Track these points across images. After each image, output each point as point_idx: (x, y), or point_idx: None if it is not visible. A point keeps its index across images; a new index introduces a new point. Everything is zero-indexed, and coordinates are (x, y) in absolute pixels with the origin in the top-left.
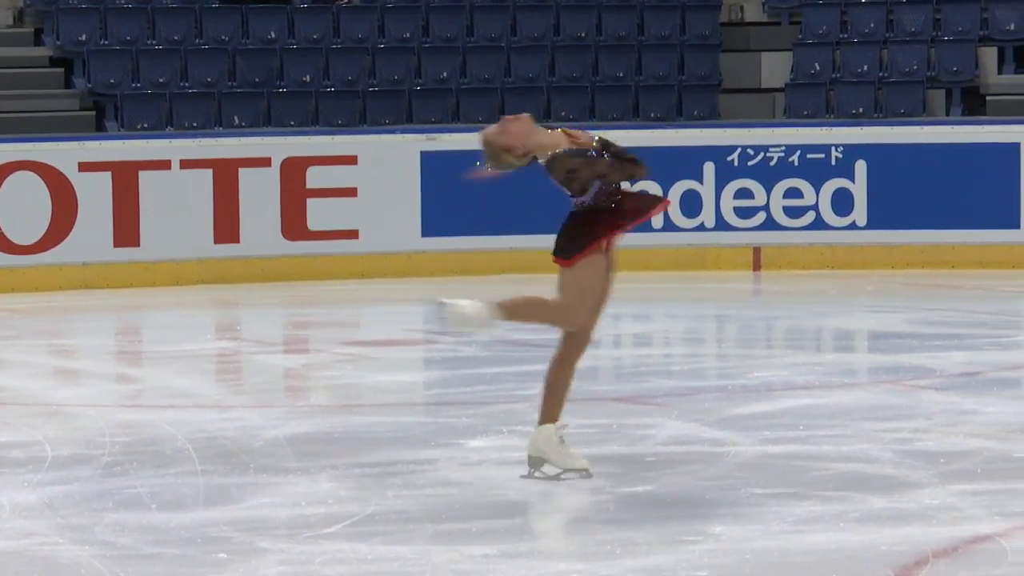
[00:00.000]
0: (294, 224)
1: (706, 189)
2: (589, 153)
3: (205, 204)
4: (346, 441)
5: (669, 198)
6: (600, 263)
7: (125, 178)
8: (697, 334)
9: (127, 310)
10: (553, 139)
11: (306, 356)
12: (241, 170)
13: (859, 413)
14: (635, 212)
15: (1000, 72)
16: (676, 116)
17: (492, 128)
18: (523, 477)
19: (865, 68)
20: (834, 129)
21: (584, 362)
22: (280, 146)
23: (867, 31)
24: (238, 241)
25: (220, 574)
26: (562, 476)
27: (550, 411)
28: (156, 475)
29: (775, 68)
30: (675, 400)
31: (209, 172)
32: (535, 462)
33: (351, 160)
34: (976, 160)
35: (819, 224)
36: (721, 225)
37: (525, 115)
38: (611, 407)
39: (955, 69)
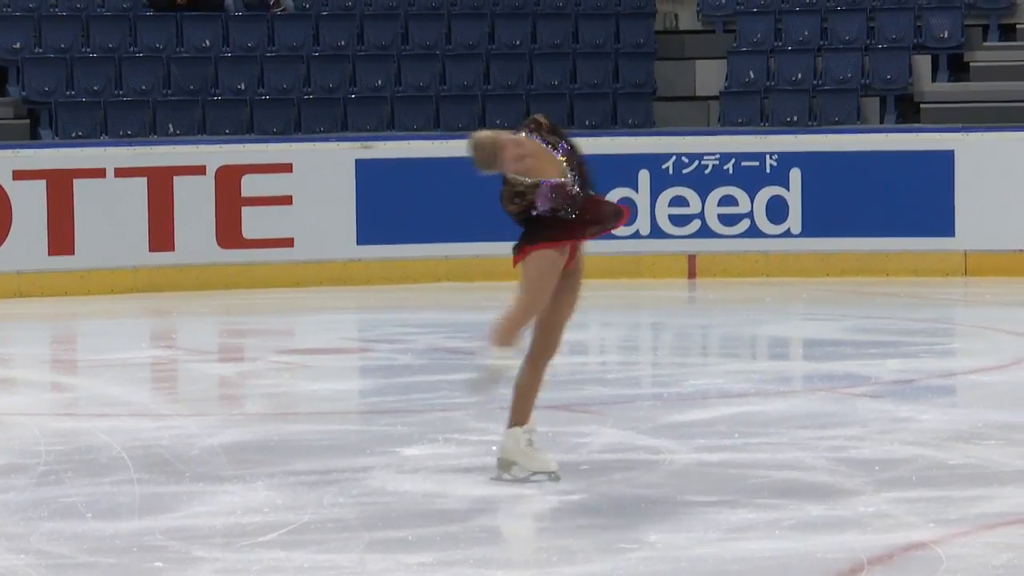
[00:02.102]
0: (229, 232)
1: (641, 197)
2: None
3: (140, 212)
4: (282, 449)
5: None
6: (554, 258)
7: (59, 186)
8: (632, 342)
9: (62, 318)
10: (541, 160)
11: (241, 364)
12: (176, 178)
13: (794, 421)
14: (595, 221)
15: (934, 80)
16: (611, 124)
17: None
18: (492, 480)
19: (799, 76)
20: (769, 137)
21: None
22: (215, 154)
23: (801, 39)
24: (173, 249)
25: None
26: (531, 478)
27: (518, 414)
28: (91, 484)
29: (710, 76)
30: (611, 408)
31: (144, 180)
32: (504, 464)
33: (286, 168)
34: (910, 168)
35: (754, 232)
36: (656, 233)
37: (521, 137)
38: (547, 415)
39: (889, 77)
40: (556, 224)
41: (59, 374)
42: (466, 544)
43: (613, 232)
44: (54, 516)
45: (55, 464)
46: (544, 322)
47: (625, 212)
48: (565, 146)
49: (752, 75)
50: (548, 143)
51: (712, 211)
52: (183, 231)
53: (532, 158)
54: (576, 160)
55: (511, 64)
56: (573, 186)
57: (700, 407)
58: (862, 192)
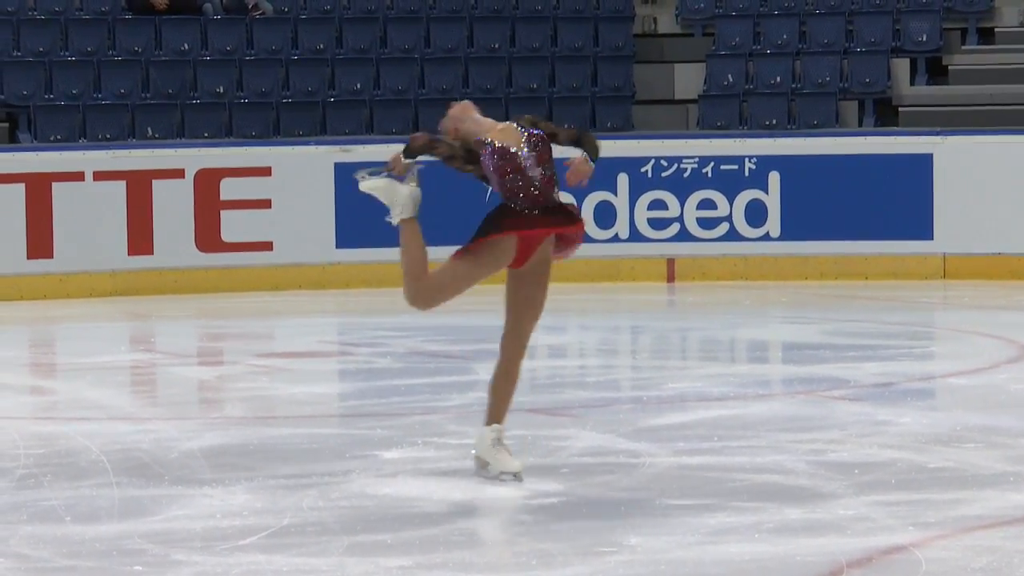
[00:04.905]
0: (208, 236)
1: (620, 200)
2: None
3: (119, 216)
4: (261, 453)
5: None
6: (483, 258)
7: (38, 190)
8: (611, 345)
9: (41, 322)
10: (483, 127)
11: (220, 368)
12: (155, 181)
13: (773, 424)
14: (545, 223)
15: (912, 83)
16: (590, 127)
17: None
18: (471, 483)
19: (778, 79)
20: (747, 140)
21: None
22: (193, 157)
23: (780, 42)
24: (152, 253)
25: None
26: (500, 478)
27: (490, 413)
28: (71, 487)
29: (688, 79)
30: (590, 411)
31: (122, 184)
32: (479, 462)
33: (265, 171)
34: (889, 171)
35: (733, 235)
36: (635, 236)
37: (467, 102)
38: (526, 418)
39: (867, 80)
40: (505, 217)
41: (38, 378)
42: (445, 547)
43: (591, 235)
44: (33, 520)
45: (34, 468)
46: (510, 324)
47: (580, 224)
48: (535, 132)
49: (731, 78)
50: (521, 127)
51: (691, 214)
52: (162, 235)
53: (472, 123)
54: (544, 150)
55: (490, 68)
56: (526, 164)
57: (679, 410)
58: (841, 195)
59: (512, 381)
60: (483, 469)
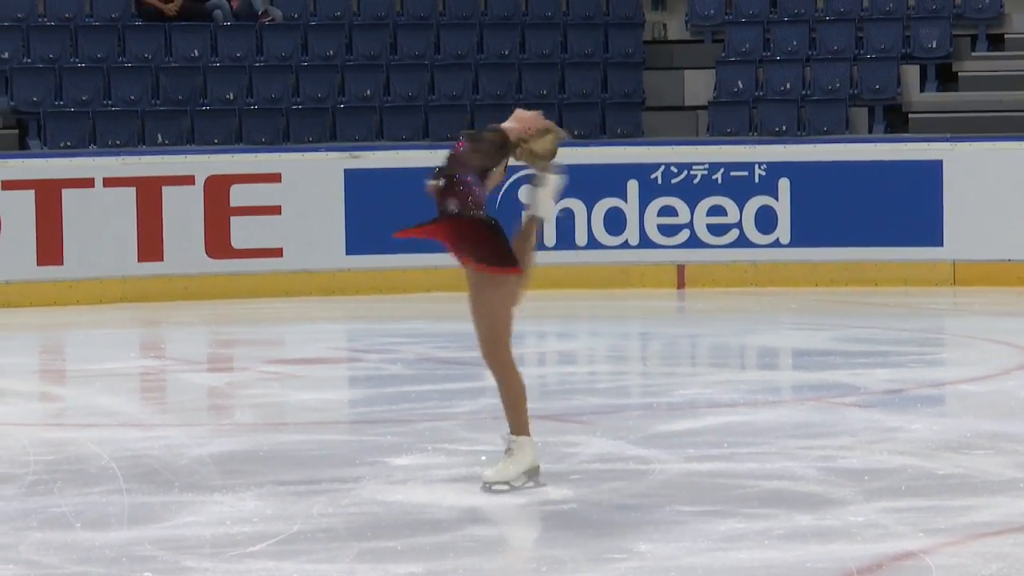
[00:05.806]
0: (218, 242)
1: (630, 207)
2: None
3: (128, 222)
4: (271, 459)
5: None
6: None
7: (48, 196)
8: (621, 352)
9: (50, 329)
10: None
11: (230, 374)
12: (164, 188)
13: (783, 430)
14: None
15: (922, 90)
16: (600, 134)
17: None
18: (482, 490)
19: (788, 86)
20: (757, 147)
21: None
22: (203, 164)
23: (790, 49)
24: (162, 259)
25: None
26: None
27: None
28: (80, 494)
29: (698, 86)
30: (600, 418)
31: (132, 190)
32: (530, 473)
33: (275, 178)
34: (899, 177)
35: (743, 242)
36: (645, 243)
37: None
38: (536, 425)
39: (877, 87)
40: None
41: (48, 384)
42: (455, 554)
43: (601, 242)
44: (43, 526)
45: (44, 474)
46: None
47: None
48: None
49: (741, 85)
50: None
51: (701, 221)
52: (172, 241)
53: None
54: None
55: (500, 74)
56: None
57: (689, 417)
58: (851, 202)
59: (506, 391)
60: (533, 479)
